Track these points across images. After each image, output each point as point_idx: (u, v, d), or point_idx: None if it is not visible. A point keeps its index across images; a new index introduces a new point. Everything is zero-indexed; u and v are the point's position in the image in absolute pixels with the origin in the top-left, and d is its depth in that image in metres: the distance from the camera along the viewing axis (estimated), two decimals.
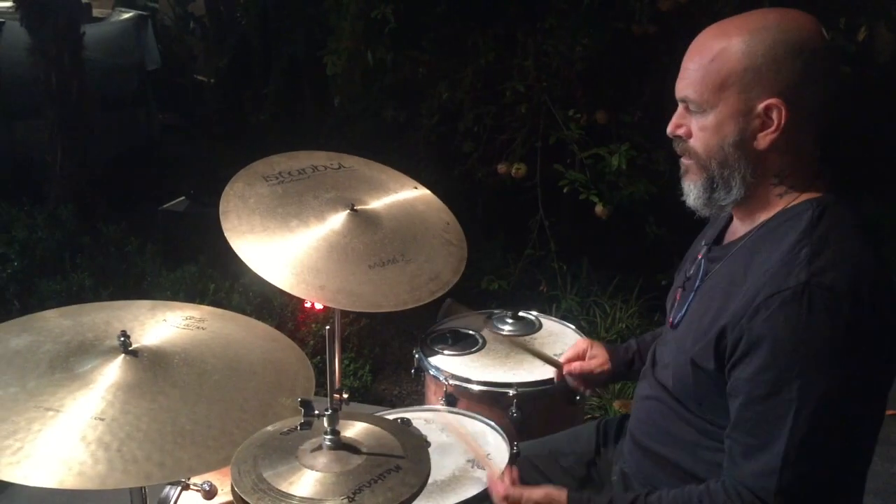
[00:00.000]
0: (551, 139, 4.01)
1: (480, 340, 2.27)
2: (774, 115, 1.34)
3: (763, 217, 1.43)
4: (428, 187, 2.01)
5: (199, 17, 7.82)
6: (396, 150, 4.35)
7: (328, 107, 4.99)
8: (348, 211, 1.77)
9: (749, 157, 1.38)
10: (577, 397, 2.13)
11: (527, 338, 2.31)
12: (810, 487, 1.31)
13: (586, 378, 1.92)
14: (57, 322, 1.53)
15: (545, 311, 2.59)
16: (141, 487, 1.42)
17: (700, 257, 1.57)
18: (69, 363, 1.37)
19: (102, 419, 1.26)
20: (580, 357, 1.91)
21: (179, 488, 1.65)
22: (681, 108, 1.45)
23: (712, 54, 1.37)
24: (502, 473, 1.58)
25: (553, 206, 4.22)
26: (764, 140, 1.36)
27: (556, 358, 1.98)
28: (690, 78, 1.40)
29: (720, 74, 1.36)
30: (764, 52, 1.33)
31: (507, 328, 2.34)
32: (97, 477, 1.18)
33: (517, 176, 4.10)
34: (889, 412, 1.28)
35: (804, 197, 1.40)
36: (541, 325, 2.38)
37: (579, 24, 3.81)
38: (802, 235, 1.33)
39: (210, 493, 1.54)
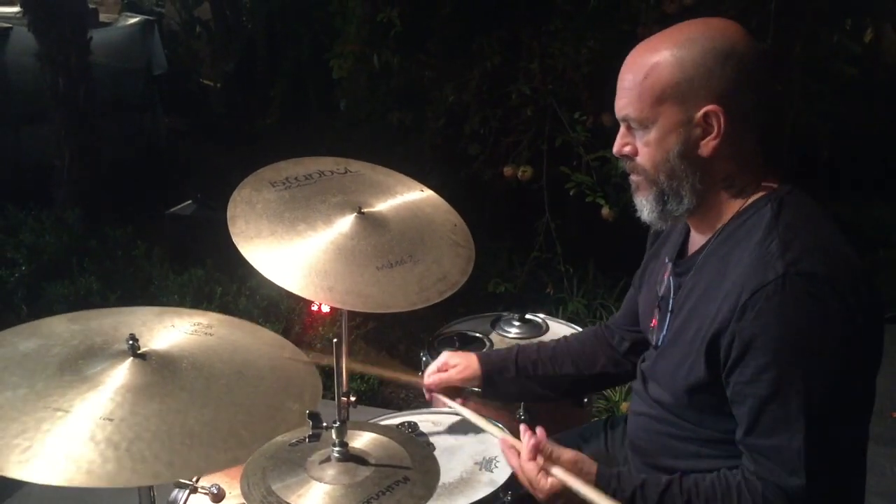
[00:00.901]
0: (557, 141, 4.02)
1: (487, 343, 2.27)
2: (714, 122, 1.36)
3: (719, 223, 1.45)
4: (434, 190, 2.01)
5: (206, 21, 7.86)
6: (402, 152, 4.36)
7: (334, 110, 5.00)
8: (355, 214, 1.77)
9: (695, 166, 1.40)
10: (585, 399, 2.13)
11: (533, 340, 2.31)
12: (835, 473, 1.32)
13: (451, 389, 1.87)
14: (65, 326, 1.53)
15: (552, 313, 2.59)
16: (150, 489, 1.42)
17: (667, 275, 1.57)
18: (78, 366, 1.38)
19: (111, 420, 1.26)
20: (441, 369, 1.88)
21: (188, 491, 1.65)
22: (623, 127, 1.47)
23: (645, 70, 1.39)
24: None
25: (559, 209, 4.22)
26: (707, 147, 1.38)
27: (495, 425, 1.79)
28: (627, 97, 1.42)
29: (655, 89, 1.38)
30: (694, 62, 1.35)
31: (514, 331, 2.33)
32: (106, 475, 1.18)
33: (523, 178, 4.10)
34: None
35: (758, 194, 1.42)
36: (548, 328, 2.38)
37: (584, 27, 3.82)
38: (768, 229, 1.35)
39: (218, 497, 1.54)
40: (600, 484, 1.42)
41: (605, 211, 3.85)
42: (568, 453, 1.45)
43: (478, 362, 1.86)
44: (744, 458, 1.37)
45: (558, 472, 1.41)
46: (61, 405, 1.28)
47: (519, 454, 1.47)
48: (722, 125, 1.36)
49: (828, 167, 3.98)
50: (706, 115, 1.36)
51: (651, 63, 1.38)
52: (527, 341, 2.28)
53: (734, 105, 1.36)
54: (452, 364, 1.87)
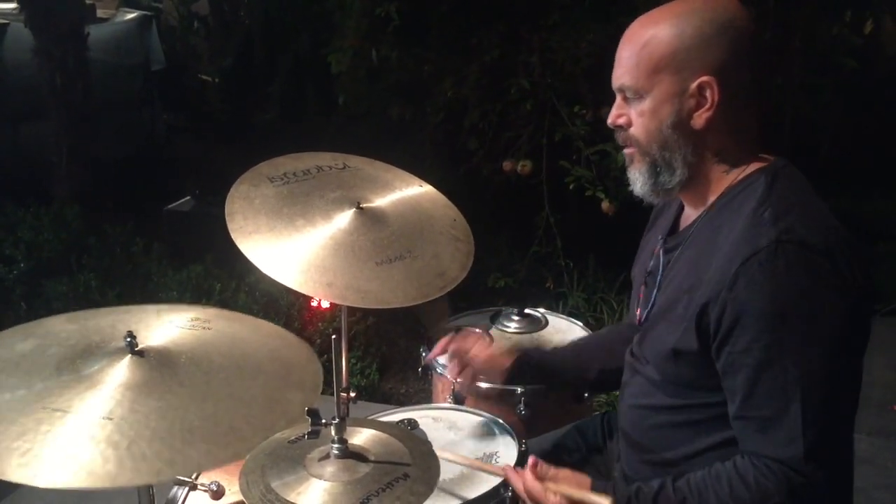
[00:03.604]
0: (557, 135, 4.00)
1: (487, 338, 2.26)
2: (708, 94, 1.37)
3: (712, 196, 1.45)
4: (434, 185, 2.00)
5: (204, 16, 7.82)
6: (402, 148, 4.35)
7: (333, 106, 4.99)
8: (354, 209, 1.76)
9: (688, 137, 1.41)
10: (585, 395, 2.12)
11: (533, 335, 2.30)
12: (833, 443, 1.31)
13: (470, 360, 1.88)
14: (62, 326, 1.52)
15: (552, 307, 2.58)
16: (149, 488, 1.42)
17: (657, 251, 1.58)
18: (76, 365, 1.36)
19: (111, 419, 1.25)
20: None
21: (187, 489, 1.64)
22: (619, 98, 1.48)
23: (643, 40, 1.40)
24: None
25: (559, 203, 4.21)
26: (700, 119, 1.39)
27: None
28: (625, 66, 1.43)
29: (653, 58, 1.39)
30: (692, 33, 1.37)
31: (513, 325, 2.33)
32: (107, 476, 1.17)
33: (523, 173, 4.09)
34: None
35: (751, 168, 1.42)
36: (547, 322, 2.37)
37: (583, 20, 3.81)
38: (761, 200, 1.35)
39: (218, 494, 1.53)
40: None
41: (605, 205, 3.84)
42: (564, 471, 1.47)
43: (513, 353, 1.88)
44: (738, 435, 1.37)
45: (561, 487, 1.42)
46: (60, 405, 1.27)
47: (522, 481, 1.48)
48: (716, 97, 1.37)
49: (827, 159, 3.98)
50: (700, 86, 1.37)
51: (650, 34, 1.40)
52: (527, 336, 2.28)
53: (729, 78, 1.37)
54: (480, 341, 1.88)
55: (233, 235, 1.67)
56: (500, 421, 1.89)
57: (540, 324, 2.36)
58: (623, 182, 3.92)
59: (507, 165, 4.13)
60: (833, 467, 1.32)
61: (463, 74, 4.17)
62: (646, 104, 1.42)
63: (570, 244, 4.19)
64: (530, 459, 1.49)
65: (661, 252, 1.56)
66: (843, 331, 1.30)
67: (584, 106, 3.93)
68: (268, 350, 1.55)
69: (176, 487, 1.64)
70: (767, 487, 1.31)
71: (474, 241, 1.88)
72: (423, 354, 2.21)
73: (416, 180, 1.98)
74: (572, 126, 3.91)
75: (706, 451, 1.45)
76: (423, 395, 3.64)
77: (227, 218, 1.70)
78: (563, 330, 2.34)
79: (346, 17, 4.23)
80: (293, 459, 1.26)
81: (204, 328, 1.55)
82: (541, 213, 4.17)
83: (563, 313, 2.49)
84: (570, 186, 3.89)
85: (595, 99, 3.94)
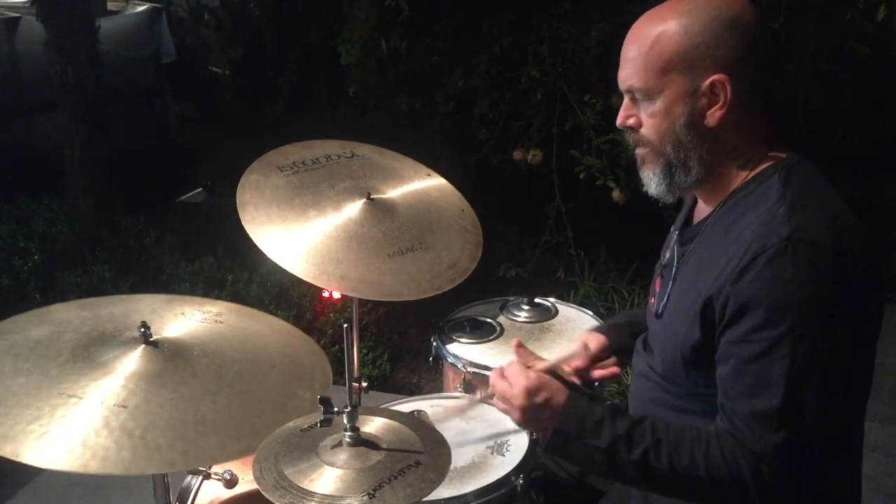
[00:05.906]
0: (567, 125, 3.99)
1: (498, 328, 2.27)
2: (720, 91, 1.36)
3: (725, 192, 1.45)
4: (444, 175, 2.00)
5: (213, 8, 7.83)
6: (412, 138, 4.35)
7: (343, 96, 4.99)
8: (364, 200, 1.77)
9: (703, 136, 1.40)
10: (596, 384, 2.12)
11: (543, 324, 2.30)
12: (809, 443, 1.31)
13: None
14: (76, 313, 1.54)
15: (563, 297, 2.58)
16: (164, 476, 1.43)
17: (672, 244, 1.58)
18: (90, 352, 1.38)
19: (125, 407, 1.27)
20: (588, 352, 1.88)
21: (201, 478, 1.66)
22: (626, 98, 1.46)
23: (650, 40, 1.38)
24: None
25: (570, 192, 4.21)
26: (713, 117, 1.38)
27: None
28: (632, 67, 1.42)
29: (661, 59, 1.37)
30: (701, 31, 1.35)
31: (523, 315, 2.33)
32: (121, 462, 1.19)
33: (533, 162, 4.09)
34: None
35: (765, 163, 1.41)
36: (557, 312, 2.37)
37: (594, 9, 3.79)
38: (777, 197, 1.35)
39: (231, 483, 1.55)
40: (570, 403, 1.45)
41: (616, 194, 3.83)
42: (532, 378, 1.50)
43: (605, 338, 1.86)
44: (719, 418, 1.38)
45: (538, 365, 1.47)
46: (75, 391, 1.28)
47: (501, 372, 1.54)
48: (728, 95, 1.36)
49: (841, 147, 3.95)
50: (712, 84, 1.36)
51: (657, 32, 1.38)
52: (538, 325, 2.29)
53: (740, 74, 1.35)
54: (591, 344, 1.87)
55: (246, 227, 1.68)
56: None
57: (550, 313, 2.36)
58: (634, 170, 3.92)
59: (517, 155, 4.12)
60: (805, 468, 1.32)
61: (473, 64, 4.16)
62: (657, 105, 1.40)
63: (580, 233, 4.19)
64: (515, 340, 1.49)
65: (675, 245, 1.56)
66: (842, 335, 1.29)
67: (595, 95, 3.92)
68: (279, 346, 1.56)
69: (190, 476, 1.66)
70: (741, 465, 1.32)
71: (485, 230, 1.89)
72: (434, 344, 2.21)
73: (425, 169, 1.98)
74: (582, 115, 3.90)
75: None
76: (434, 386, 3.65)
77: (238, 208, 1.71)
78: (574, 319, 2.34)
79: (355, 8, 4.23)
80: (306, 447, 1.27)
81: (216, 321, 1.57)
82: (551, 203, 4.16)
83: (574, 303, 2.49)
84: (581, 175, 3.89)
85: (605, 88, 3.92)
